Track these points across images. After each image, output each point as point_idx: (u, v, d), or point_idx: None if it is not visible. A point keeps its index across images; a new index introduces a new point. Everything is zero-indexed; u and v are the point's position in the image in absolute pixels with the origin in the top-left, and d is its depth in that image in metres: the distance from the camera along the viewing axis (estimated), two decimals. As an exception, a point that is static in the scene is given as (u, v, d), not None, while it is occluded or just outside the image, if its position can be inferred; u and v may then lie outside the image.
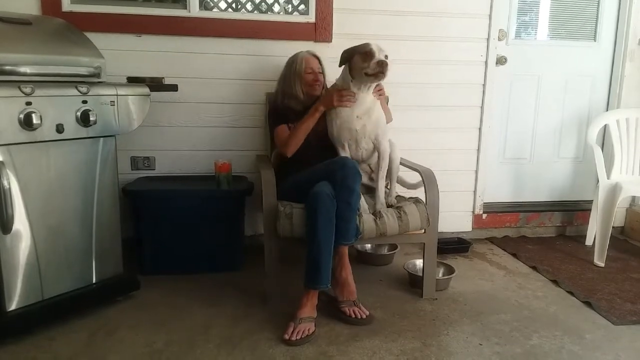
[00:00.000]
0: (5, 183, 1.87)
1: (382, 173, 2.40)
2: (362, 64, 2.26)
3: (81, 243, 2.18)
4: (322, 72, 2.61)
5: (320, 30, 2.95)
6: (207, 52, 2.89)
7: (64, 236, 2.11)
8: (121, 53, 2.75)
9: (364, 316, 2.22)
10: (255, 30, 2.89)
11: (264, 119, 2.92)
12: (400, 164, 2.60)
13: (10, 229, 1.92)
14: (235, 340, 2.04)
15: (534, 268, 2.89)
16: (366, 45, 2.28)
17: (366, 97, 2.36)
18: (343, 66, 2.38)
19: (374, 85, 2.36)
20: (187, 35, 2.85)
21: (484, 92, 3.23)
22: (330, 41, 2.97)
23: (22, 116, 1.89)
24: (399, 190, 2.66)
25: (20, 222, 1.96)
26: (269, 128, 2.69)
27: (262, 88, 2.91)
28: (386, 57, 2.26)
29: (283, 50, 2.78)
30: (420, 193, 2.49)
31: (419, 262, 2.61)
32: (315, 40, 2.95)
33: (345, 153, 2.40)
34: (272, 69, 2.85)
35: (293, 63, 2.58)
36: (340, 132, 2.38)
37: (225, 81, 2.93)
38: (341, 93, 2.34)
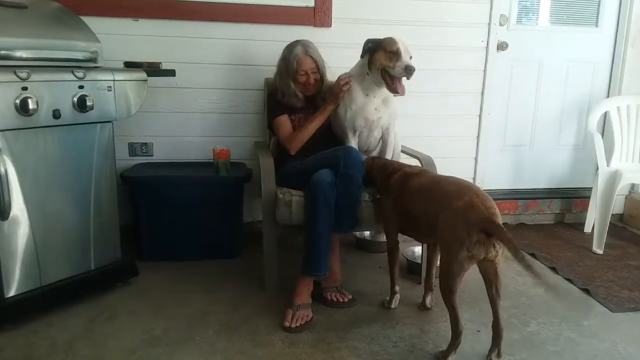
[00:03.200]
0: (2, 169, 1.86)
1: None
2: (387, 62, 2.19)
3: (79, 229, 2.17)
4: (318, 71, 2.47)
5: (320, 14, 2.92)
6: (205, 37, 2.85)
7: (61, 223, 2.11)
8: (118, 37, 2.72)
9: (346, 300, 2.24)
10: (255, 15, 2.86)
11: (263, 104, 2.90)
12: (401, 151, 2.59)
13: (8, 215, 1.92)
14: (233, 326, 2.05)
15: (532, 255, 2.89)
16: (393, 42, 2.19)
17: (383, 91, 2.31)
18: (362, 57, 2.31)
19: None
20: (185, 19, 2.81)
21: (484, 78, 3.21)
22: (330, 26, 2.93)
23: (18, 101, 1.87)
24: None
25: (18, 209, 1.95)
26: (267, 114, 2.67)
27: (261, 73, 2.88)
28: (411, 58, 2.20)
29: (282, 35, 2.75)
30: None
31: (418, 249, 2.61)
32: (315, 25, 2.91)
33: (354, 139, 2.37)
34: (272, 54, 2.80)
35: (286, 61, 2.45)
36: (355, 119, 2.32)
37: (224, 66, 2.90)
38: (339, 83, 2.31)
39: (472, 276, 2.56)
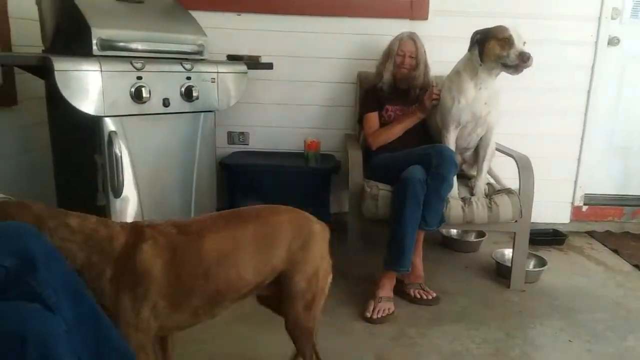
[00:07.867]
0: (118, 151, 2.03)
1: (487, 161, 2.34)
2: (500, 51, 2.11)
3: (181, 212, 2.32)
4: (416, 57, 2.49)
5: (417, 7, 2.87)
6: (302, 31, 2.92)
7: (166, 204, 2.26)
8: (221, 31, 2.85)
9: (430, 297, 2.22)
10: (350, 8, 2.88)
11: (355, 98, 2.93)
12: (495, 149, 2.50)
13: (121, 193, 2.09)
14: (317, 312, 2.10)
15: (636, 267, 2.68)
16: (503, 29, 2.11)
17: (494, 84, 2.24)
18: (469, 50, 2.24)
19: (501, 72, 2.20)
20: (284, 14, 2.90)
21: (592, 74, 3.00)
22: (427, 18, 2.89)
23: (133, 90, 2.03)
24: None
25: (129, 188, 2.13)
26: (359, 108, 2.70)
27: (355, 67, 2.91)
28: (525, 44, 2.11)
29: (377, 29, 2.75)
30: (514, 180, 2.38)
31: (508, 252, 2.52)
32: (411, 18, 2.88)
33: (454, 133, 2.29)
34: (366, 47, 2.84)
35: (391, 44, 2.54)
36: (462, 114, 2.24)
37: (319, 60, 2.96)
38: (430, 91, 2.32)
39: (567, 283, 2.45)
